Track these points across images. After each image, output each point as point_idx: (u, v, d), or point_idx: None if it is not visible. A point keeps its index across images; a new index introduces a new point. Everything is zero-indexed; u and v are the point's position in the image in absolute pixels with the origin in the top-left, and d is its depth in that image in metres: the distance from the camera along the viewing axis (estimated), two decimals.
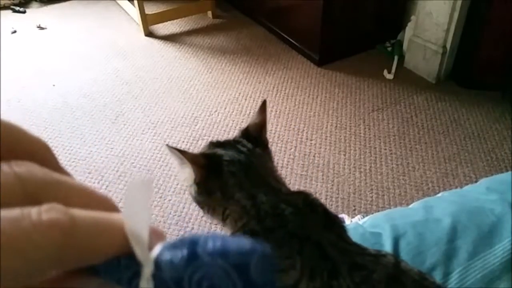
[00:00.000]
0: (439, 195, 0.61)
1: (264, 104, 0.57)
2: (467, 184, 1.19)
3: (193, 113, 1.55)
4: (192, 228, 1.11)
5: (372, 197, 1.17)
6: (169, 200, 1.20)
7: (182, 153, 0.50)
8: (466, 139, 1.37)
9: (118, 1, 2.31)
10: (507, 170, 1.24)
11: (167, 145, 0.52)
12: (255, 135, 0.55)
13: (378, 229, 0.47)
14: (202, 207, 0.54)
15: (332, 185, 1.22)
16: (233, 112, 1.55)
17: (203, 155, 0.52)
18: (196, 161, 0.51)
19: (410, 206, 0.59)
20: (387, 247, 0.46)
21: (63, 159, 1.35)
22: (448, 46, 1.60)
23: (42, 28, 2.16)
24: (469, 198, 0.52)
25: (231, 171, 0.50)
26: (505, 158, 1.29)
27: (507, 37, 1.48)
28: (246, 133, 0.55)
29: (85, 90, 1.70)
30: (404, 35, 1.82)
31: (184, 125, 1.49)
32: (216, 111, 1.56)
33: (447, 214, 0.49)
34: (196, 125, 1.49)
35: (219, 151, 0.53)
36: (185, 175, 0.54)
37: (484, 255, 0.43)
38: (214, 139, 0.57)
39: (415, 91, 1.62)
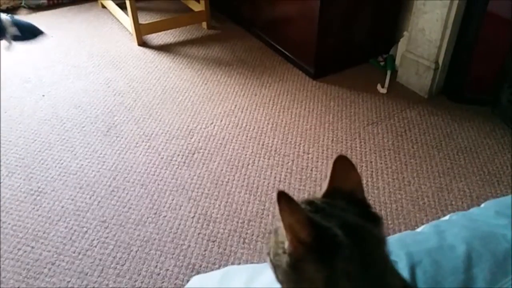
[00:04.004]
0: (446, 218, 0.61)
1: (348, 161, 0.45)
2: (461, 199, 1.22)
3: (188, 126, 1.53)
4: (189, 246, 1.08)
5: None
6: (164, 216, 1.17)
7: (284, 211, 0.38)
8: (459, 153, 1.40)
9: (110, 10, 2.28)
10: (499, 185, 1.27)
11: (280, 192, 0.38)
12: (360, 200, 0.44)
13: (393, 256, 0.46)
14: (282, 282, 0.42)
15: None
16: (229, 124, 1.54)
17: (312, 224, 0.39)
18: (297, 232, 0.39)
19: (420, 229, 0.59)
20: (404, 276, 0.45)
21: (53, 173, 1.30)
22: (440, 62, 1.64)
23: None
24: (480, 223, 0.52)
25: (349, 270, 0.38)
26: (497, 172, 1.32)
27: (497, 54, 1.52)
28: (349, 197, 0.43)
29: (76, 101, 1.65)
30: (397, 50, 1.86)
31: (179, 138, 1.47)
32: (212, 123, 1.55)
33: (461, 240, 0.48)
34: (191, 138, 1.47)
35: (332, 226, 0.40)
36: (279, 233, 0.42)
37: (502, 284, 0.42)
38: (313, 197, 0.44)
39: (408, 105, 1.64)
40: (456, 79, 1.66)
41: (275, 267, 0.43)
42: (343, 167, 0.45)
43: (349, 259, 0.39)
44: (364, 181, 1.28)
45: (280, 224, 0.40)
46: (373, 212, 0.44)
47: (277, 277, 0.43)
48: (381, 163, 1.35)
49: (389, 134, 1.48)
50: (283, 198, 0.38)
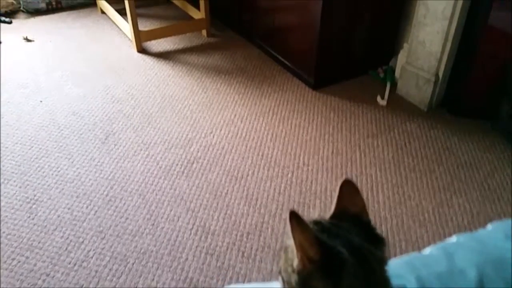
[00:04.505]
0: (453, 239, 0.61)
1: (354, 185, 0.50)
2: (462, 214, 1.21)
3: (187, 134, 1.52)
4: (186, 259, 1.06)
5: None
6: (162, 227, 1.15)
7: (295, 230, 0.42)
8: (459, 168, 1.40)
9: (110, 16, 2.28)
10: (499, 202, 1.27)
11: (292, 211, 0.42)
12: (366, 222, 0.48)
13: (403, 280, 0.46)
14: None
15: (330, 214, 1.20)
16: (228, 134, 1.53)
17: (320, 244, 0.43)
18: (306, 251, 0.43)
19: (427, 251, 0.58)
20: None
21: (49, 181, 1.28)
22: (440, 74, 1.65)
23: (29, 40, 2.10)
24: (490, 247, 0.51)
25: (353, 284, 0.42)
26: (497, 188, 1.32)
27: (496, 68, 1.54)
28: (357, 220, 0.48)
29: (74, 108, 1.64)
30: (396, 62, 1.87)
31: (178, 147, 1.45)
32: (211, 132, 1.54)
33: (471, 264, 0.48)
34: (190, 147, 1.46)
35: (338, 245, 0.44)
36: (289, 251, 0.46)
37: None
38: (321, 218, 0.48)
39: (407, 118, 1.65)
40: (456, 92, 1.67)
41: (286, 284, 0.47)
42: (349, 191, 0.50)
43: (354, 276, 0.42)
44: (364, 195, 1.28)
45: (290, 242, 0.44)
46: (377, 234, 0.47)
47: None
48: (382, 177, 1.35)
49: (389, 147, 1.49)
50: (294, 218, 0.41)
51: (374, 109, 1.70)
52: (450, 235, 1.14)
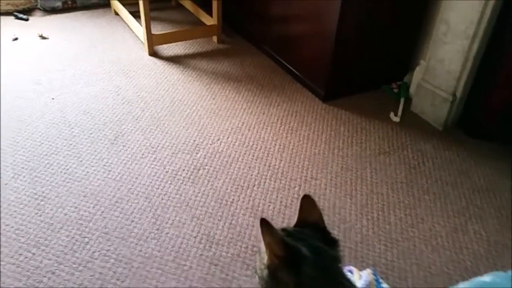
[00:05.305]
0: (487, 279, 0.63)
1: (312, 199, 0.66)
2: (477, 242, 1.22)
3: (194, 140, 1.58)
4: (190, 267, 1.11)
5: (380, 248, 1.19)
6: (167, 233, 1.20)
7: (264, 233, 0.57)
8: (475, 192, 1.42)
9: (123, 17, 2.38)
10: None
11: (262, 219, 0.57)
12: (322, 228, 0.64)
13: None
14: None
15: (339, 231, 1.24)
16: (236, 142, 1.59)
17: (284, 243, 0.58)
18: (273, 249, 0.58)
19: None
20: None
21: (58, 178, 1.35)
22: (458, 94, 1.69)
23: (44, 38, 2.21)
24: None
25: (311, 276, 0.57)
26: None
27: None
28: (315, 227, 0.64)
29: (85, 107, 1.72)
30: (412, 78, 1.92)
31: (185, 152, 1.51)
32: (218, 139, 1.59)
33: None
34: (197, 153, 1.51)
35: (299, 245, 0.59)
36: (261, 251, 0.61)
37: None
38: (287, 226, 0.64)
39: (421, 137, 1.68)
40: (474, 113, 1.70)
41: (260, 279, 0.63)
42: (307, 204, 0.66)
43: (312, 268, 0.58)
44: (374, 215, 1.31)
45: (261, 244, 0.60)
46: (331, 237, 0.65)
47: (261, 286, 0.63)
48: (393, 197, 1.38)
49: (402, 166, 1.52)
50: (264, 223, 0.58)
51: (386, 125, 1.73)
52: (464, 262, 1.16)
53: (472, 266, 1.16)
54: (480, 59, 1.61)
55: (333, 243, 0.63)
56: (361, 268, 1.07)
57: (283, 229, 0.63)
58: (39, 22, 2.37)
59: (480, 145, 1.64)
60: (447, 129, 1.73)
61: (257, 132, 1.64)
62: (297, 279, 0.57)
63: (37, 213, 1.22)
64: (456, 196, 1.39)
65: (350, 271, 1.02)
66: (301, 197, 0.66)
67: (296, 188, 1.39)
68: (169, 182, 1.37)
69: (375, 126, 1.72)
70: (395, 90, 1.94)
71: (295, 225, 0.65)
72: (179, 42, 2.25)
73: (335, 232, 1.23)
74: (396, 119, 1.77)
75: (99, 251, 1.13)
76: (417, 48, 1.92)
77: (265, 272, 0.61)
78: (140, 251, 1.14)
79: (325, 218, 1.26)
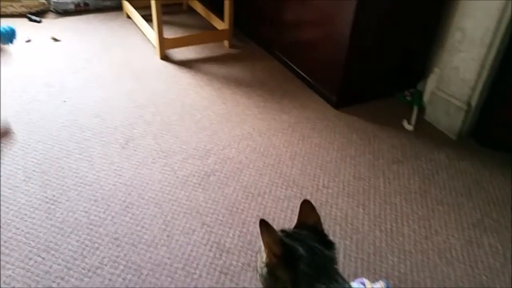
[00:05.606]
0: None
1: (311, 204, 0.71)
2: (493, 256, 1.20)
3: (205, 145, 1.58)
4: (200, 276, 1.10)
5: (393, 260, 1.17)
6: (177, 240, 1.19)
7: (263, 233, 0.63)
8: (490, 204, 1.40)
9: (135, 21, 2.40)
10: None
11: (261, 220, 0.62)
12: (320, 231, 0.69)
13: None
14: (264, 286, 0.67)
15: (351, 242, 1.22)
16: (247, 148, 1.58)
17: (282, 243, 0.64)
18: (271, 248, 0.63)
19: None
20: None
21: (69, 182, 1.36)
22: (473, 103, 1.66)
23: (56, 40, 2.23)
24: None
25: (307, 273, 0.61)
26: None
27: None
28: (314, 229, 0.69)
29: (97, 110, 1.73)
30: (425, 86, 1.90)
31: (195, 158, 1.51)
32: (229, 145, 1.59)
33: None
34: (208, 159, 1.51)
35: (296, 245, 0.64)
36: (261, 250, 0.66)
37: None
38: (286, 228, 0.69)
39: (435, 146, 1.66)
40: (488, 123, 1.68)
41: (260, 276, 0.68)
42: (307, 208, 0.72)
43: (307, 267, 0.62)
44: (388, 226, 1.29)
45: (261, 243, 0.65)
46: (328, 240, 0.69)
47: (261, 283, 0.68)
48: (407, 207, 1.36)
49: (416, 175, 1.50)
50: (263, 224, 0.63)
51: (399, 133, 1.72)
52: (480, 277, 1.14)
53: (488, 281, 1.14)
54: (497, 68, 1.59)
55: (329, 245, 0.68)
56: (373, 280, 1.05)
57: (283, 230, 0.69)
58: (51, 24, 2.40)
59: (495, 155, 1.62)
60: (461, 139, 1.71)
61: (268, 138, 1.64)
62: (293, 276, 0.62)
63: (47, 217, 1.23)
64: (470, 208, 1.37)
65: (363, 283, 1.00)
66: (301, 201, 0.73)
67: (308, 197, 1.37)
68: (179, 188, 1.37)
69: (388, 134, 1.71)
70: (408, 98, 1.93)
71: (295, 227, 0.71)
72: (190, 46, 2.26)
73: (347, 243, 1.22)
74: (410, 127, 1.75)
75: (108, 257, 1.12)
76: (430, 55, 1.91)
77: (264, 270, 0.66)
78: (150, 258, 1.13)
79: (337, 228, 1.27)
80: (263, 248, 0.65)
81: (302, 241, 0.65)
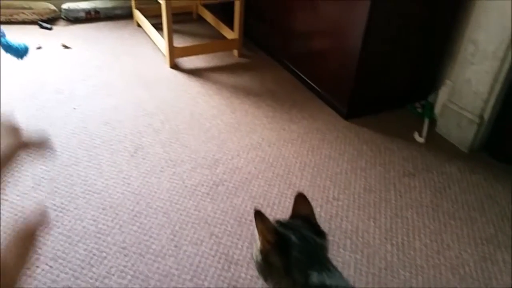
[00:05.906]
0: None
1: (304, 196, 0.76)
2: (508, 273, 1.18)
3: (214, 155, 1.58)
4: None
5: (405, 275, 1.15)
6: (185, 251, 1.18)
7: (257, 221, 0.66)
8: (504, 220, 1.37)
9: (146, 30, 2.44)
10: None
11: (256, 210, 0.65)
12: (313, 222, 0.73)
13: None
14: (260, 273, 0.72)
15: (362, 256, 1.20)
16: (256, 158, 1.58)
17: (275, 231, 0.68)
18: (265, 236, 0.67)
19: None
20: None
21: (77, 190, 1.36)
22: (485, 116, 1.65)
23: (67, 47, 2.27)
24: None
25: (299, 259, 0.65)
26: None
27: None
28: (307, 220, 0.73)
29: (106, 118, 1.74)
30: (437, 98, 1.89)
31: (204, 167, 1.51)
32: (238, 155, 1.59)
33: None
34: (216, 169, 1.51)
35: (289, 233, 0.68)
36: (257, 239, 0.70)
37: None
38: (281, 219, 0.73)
39: (447, 159, 1.64)
40: (502, 137, 1.66)
41: (256, 263, 0.73)
42: (301, 200, 0.77)
43: (299, 253, 0.66)
44: (399, 240, 1.27)
45: (256, 233, 0.69)
46: (321, 230, 0.73)
47: (257, 270, 0.73)
48: (419, 221, 1.34)
49: (427, 189, 1.48)
50: (258, 214, 0.67)
51: (410, 145, 1.71)
52: None
53: None
54: (510, 81, 1.58)
55: (321, 234, 0.72)
56: None
57: (277, 221, 0.73)
58: (62, 32, 2.44)
59: (508, 169, 1.60)
60: (473, 152, 1.69)
61: (277, 148, 1.63)
62: (286, 262, 0.66)
63: (55, 225, 1.23)
64: (483, 223, 1.35)
65: None
66: (296, 194, 0.78)
67: (317, 209, 1.36)
68: (188, 197, 1.36)
69: (399, 146, 1.69)
70: (419, 110, 1.92)
71: (290, 217, 0.76)
72: (200, 55, 2.28)
73: (358, 257, 1.20)
74: (421, 139, 1.74)
75: (116, 266, 1.12)
76: (442, 67, 1.90)
77: (259, 257, 0.70)
78: (158, 268, 1.12)
79: (348, 241, 1.25)
80: (257, 236, 0.70)
81: (295, 229, 0.69)
